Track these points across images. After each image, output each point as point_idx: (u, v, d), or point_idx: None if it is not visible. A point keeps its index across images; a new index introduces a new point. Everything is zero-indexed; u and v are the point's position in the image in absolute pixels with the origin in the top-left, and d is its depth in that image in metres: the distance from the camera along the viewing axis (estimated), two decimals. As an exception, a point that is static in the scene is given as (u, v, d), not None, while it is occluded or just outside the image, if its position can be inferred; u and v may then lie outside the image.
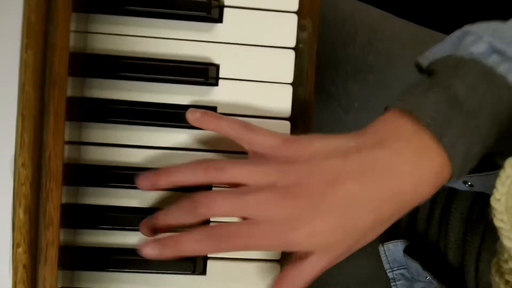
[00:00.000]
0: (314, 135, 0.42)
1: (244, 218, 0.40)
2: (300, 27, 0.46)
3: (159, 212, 0.42)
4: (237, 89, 0.45)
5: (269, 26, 0.45)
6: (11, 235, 0.33)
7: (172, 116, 0.44)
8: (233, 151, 0.46)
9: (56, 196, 0.33)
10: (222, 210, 0.40)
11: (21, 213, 0.32)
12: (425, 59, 0.47)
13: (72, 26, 0.35)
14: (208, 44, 0.45)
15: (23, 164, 0.32)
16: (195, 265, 0.44)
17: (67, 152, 0.37)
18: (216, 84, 0.45)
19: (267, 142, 0.41)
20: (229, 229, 0.39)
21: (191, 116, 0.43)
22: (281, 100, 0.46)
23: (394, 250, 0.64)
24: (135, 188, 0.43)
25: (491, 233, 0.55)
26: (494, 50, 0.43)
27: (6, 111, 0.32)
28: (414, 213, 0.61)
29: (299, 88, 0.47)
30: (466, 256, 0.58)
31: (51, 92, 0.33)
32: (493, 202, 0.37)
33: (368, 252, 0.63)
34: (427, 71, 0.46)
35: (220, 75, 0.45)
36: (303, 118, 0.47)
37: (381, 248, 0.62)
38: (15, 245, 0.32)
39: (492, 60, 0.42)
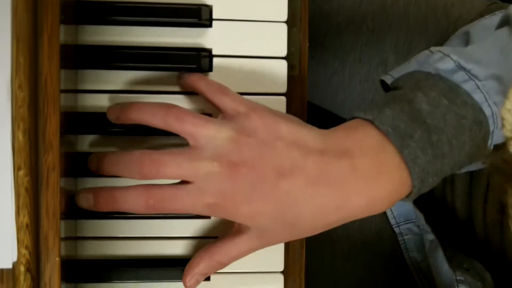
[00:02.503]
0: (284, 115, 0.41)
1: None
2: (290, -34, 0.46)
3: (107, 155, 0.41)
4: (232, 30, 0.45)
5: (259, -37, 0.45)
6: (11, 160, 0.32)
7: (168, 58, 0.44)
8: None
9: (55, 120, 0.33)
10: (170, 175, 0.38)
11: (20, 136, 0.32)
12: (390, 77, 0.47)
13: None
14: (199, -15, 0.45)
15: (19, 86, 0.32)
16: None
17: (64, 100, 0.37)
18: (210, 26, 0.45)
19: (236, 107, 0.40)
20: (171, 193, 0.38)
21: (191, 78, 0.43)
22: (276, 39, 0.46)
23: (399, 204, 0.63)
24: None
25: (495, 176, 0.54)
26: (460, 68, 0.42)
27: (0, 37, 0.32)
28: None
29: (293, 29, 0.47)
30: (473, 202, 0.57)
31: (44, 15, 0.33)
32: (504, 112, 0.37)
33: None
34: (392, 88, 0.45)
35: (214, 16, 0.45)
36: (299, 58, 0.47)
37: None
38: (16, 169, 0.32)
39: (458, 78, 0.42)
